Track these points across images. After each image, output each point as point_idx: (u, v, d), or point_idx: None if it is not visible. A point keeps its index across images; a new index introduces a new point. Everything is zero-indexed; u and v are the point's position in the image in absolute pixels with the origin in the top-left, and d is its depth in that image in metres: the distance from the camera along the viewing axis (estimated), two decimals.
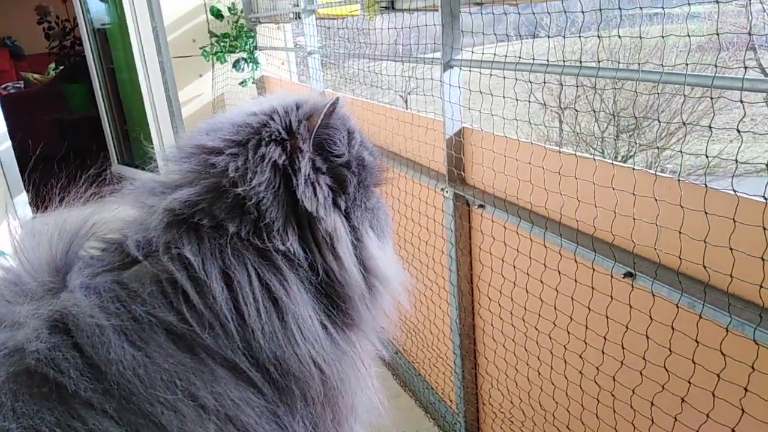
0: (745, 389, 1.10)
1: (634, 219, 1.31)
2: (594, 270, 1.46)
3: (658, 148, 8.74)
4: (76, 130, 6.41)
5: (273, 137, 0.80)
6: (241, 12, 4.28)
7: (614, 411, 1.51)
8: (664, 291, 1.23)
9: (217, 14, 4.27)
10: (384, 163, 0.98)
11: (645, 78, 1.25)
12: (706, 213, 1.11)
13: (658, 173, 1.25)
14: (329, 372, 0.77)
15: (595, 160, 1.44)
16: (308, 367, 0.75)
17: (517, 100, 1.78)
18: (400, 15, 2.15)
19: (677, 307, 1.22)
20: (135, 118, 5.08)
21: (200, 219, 0.76)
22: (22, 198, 4.36)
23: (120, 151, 5.41)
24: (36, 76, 6.97)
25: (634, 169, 1.31)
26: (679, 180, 1.18)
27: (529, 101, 1.81)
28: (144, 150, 5.02)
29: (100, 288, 0.67)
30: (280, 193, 0.79)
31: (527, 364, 1.86)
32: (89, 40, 5.18)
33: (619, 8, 1.41)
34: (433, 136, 2.07)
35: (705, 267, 1.15)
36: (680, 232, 1.18)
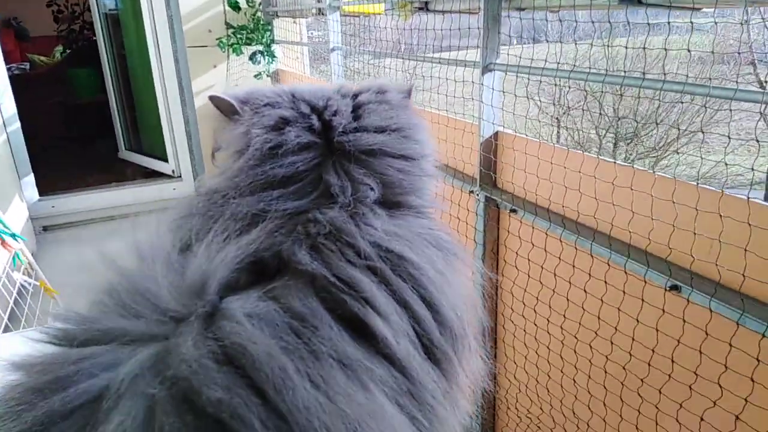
0: None
1: (673, 227, 1.37)
2: (628, 276, 1.52)
3: (656, 156, 8.83)
4: (81, 115, 6.40)
5: None
6: (260, 5, 4.30)
7: (639, 412, 1.57)
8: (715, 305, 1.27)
9: (235, 6, 4.28)
10: None
11: (691, 91, 1.31)
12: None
13: (724, 191, 1.27)
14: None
15: (634, 168, 1.49)
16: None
17: (540, 103, 1.82)
18: (438, 15, 2.20)
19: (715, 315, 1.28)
20: (144, 104, 5.07)
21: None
22: (29, 180, 4.37)
23: (128, 137, 5.40)
24: (42, 58, 6.93)
25: (675, 179, 1.37)
26: (748, 199, 1.21)
27: (554, 105, 1.86)
28: (151, 136, 5.01)
29: (267, 318, 0.59)
30: None
31: (548, 362, 1.91)
32: (101, 25, 5.17)
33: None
34: (468, 139, 2.10)
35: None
36: (746, 250, 1.21)
